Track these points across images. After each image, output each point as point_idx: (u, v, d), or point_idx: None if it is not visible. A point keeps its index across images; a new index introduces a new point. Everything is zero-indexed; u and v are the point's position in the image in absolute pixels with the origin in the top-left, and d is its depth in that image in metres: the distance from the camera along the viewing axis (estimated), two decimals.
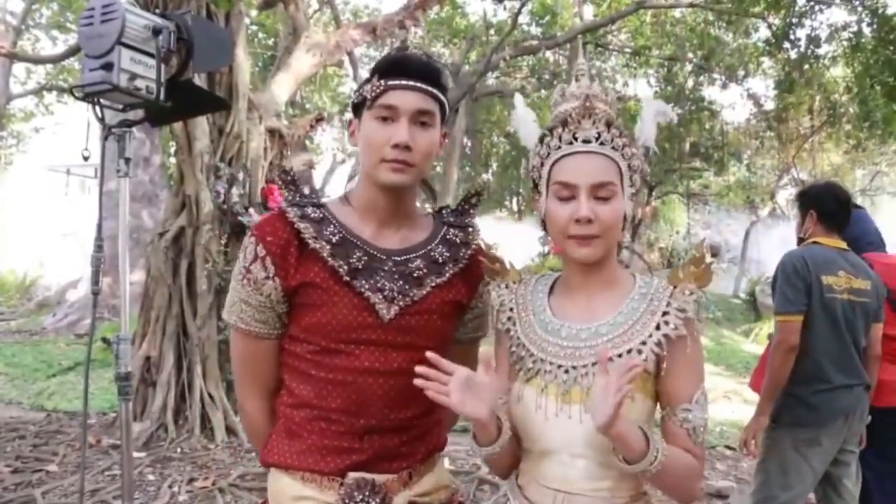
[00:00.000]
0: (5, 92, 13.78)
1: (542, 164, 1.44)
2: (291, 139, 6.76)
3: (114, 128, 2.39)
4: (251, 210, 5.85)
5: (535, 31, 14.69)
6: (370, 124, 1.48)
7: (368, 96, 1.48)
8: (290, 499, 1.50)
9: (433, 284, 1.52)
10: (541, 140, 1.46)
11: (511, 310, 1.52)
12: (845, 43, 10.58)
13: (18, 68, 14.90)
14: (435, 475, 1.61)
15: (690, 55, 14.34)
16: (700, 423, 1.37)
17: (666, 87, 14.72)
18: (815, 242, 3.07)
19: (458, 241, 1.59)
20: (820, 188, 3.28)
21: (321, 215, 1.51)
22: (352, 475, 1.47)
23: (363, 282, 1.46)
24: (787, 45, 10.96)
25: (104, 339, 8.61)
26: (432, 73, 1.51)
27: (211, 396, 5.63)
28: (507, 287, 1.55)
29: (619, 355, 1.35)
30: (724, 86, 14.84)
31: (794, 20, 10.58)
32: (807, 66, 11.43)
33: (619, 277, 1.46)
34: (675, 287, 1.39)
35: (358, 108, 1.53)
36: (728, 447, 5.92)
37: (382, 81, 1.47)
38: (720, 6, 11.47)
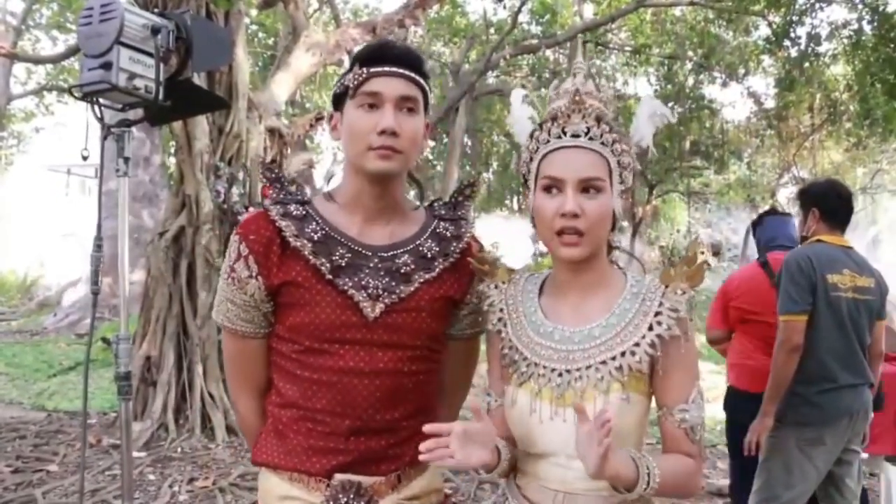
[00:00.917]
0: (6, 92, 13.78)
1: (531, 159, 1.43)
2: (291, 138, 6.76)
3: (113, 127, 2.38)
4: (251, 209, 5.84)
5: (535, 29, 14.69)
6: (354, 113, 1.46)
7: (351, 85, 1.46)
8: (278, 498, 1.49)
9: (421, 280, 1.49)
10: (531, 135, 1.44)
11: (501, 310, 1.50)
12: (846, 41, 10.56)
13: (19, 68, 14.91)
14: (425, 479, 1.58)
15: (690, 53, 14.32)
16: (697, 422, 1.37)
17: (666, 85, 14.69)
18: (818, 240, 3.07)
19: (448, 234, 1.56)
20: (822, 186, 3.28)
21: (304, 212, 1.48)
22: (338, 477, 1.45)
23: (346, 280, 1.44)
24: (787, 43, 10.94)
25: (104, 339, 8.60)
26: (414, 60, 1.50)
27: (211, 396, 5.63)
28: (496, 287, 1.52)
29: (613, 357, 1.34)
30: (725, 84, 14.81)
31: (795, 18, 10.56)
32: (807, 65, 11.41)
33: (610, 277, 1.44)
34: (667, 286, 1.38)
35: (339, 100, 1.51)
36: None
37: (364, 69, 1.45)
38: (720, 4, 11.46)
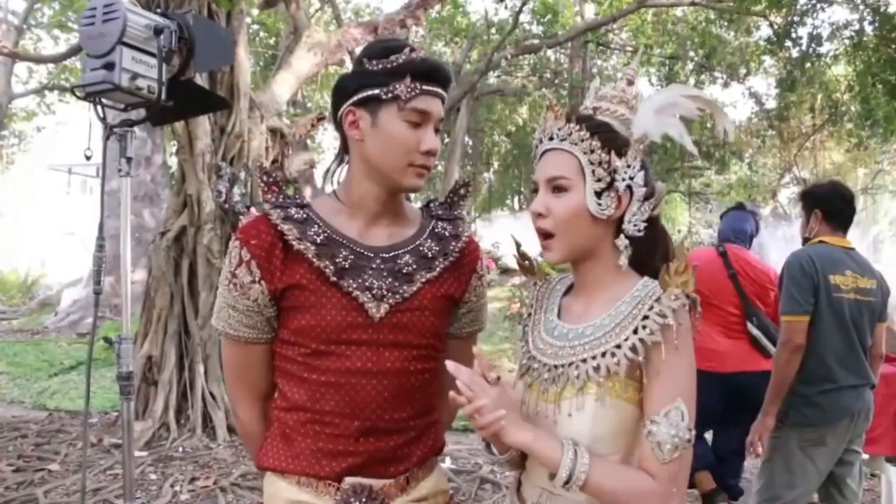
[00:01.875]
0: (7, 91, 13.79)
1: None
2: (293, 138, 6.75)
3: (115, 127, 2.39)
4: (253, 209, 5.84)
5: (537, 30, 14.72)
6: (398, 125, 1.43)
7: (403, 97, 1.42)
8: (286, 503, 1.48)
9: (423, 280, 1.49)
10: None
11: (531, 305, 1.52)
12: (847, 41, 10.57)
13: (20, 68, 14.91)
14: (433, 479, 1.58)
15: (692, 54, 14.35)
16: (666, 441, 1.24)
17: (667, 85, 14.71)
18: (820, 241, 3.07)
19: (447, 234, 1.57)
20: (824, 187, 3.28)
21: (305, 215, 1.47)
22: (348, 480, 1.45)
23: (351, 281, 1.43)
24: (788, 43, 10.96)
25: (106, 339, 8.53)
26: (450, 81, 1.52)
27: (213, 395, 5.63)
28: (534, 284, 1.55)
29: (593, 357, 1.31)
30: (726, 84, 14.83)
31: (796, 19, 10.57)
32: (808, 65, 11.42)
33: (617, 279, 1.39)
34: (664, 291, 1.32)
35: (369, 101, 1.45)
36: None
37: (418, 85, 1.42)
38: (721, 5, 11.47)
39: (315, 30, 7.33)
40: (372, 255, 1.47)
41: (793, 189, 17.44)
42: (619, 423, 1.31)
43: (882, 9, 9.29)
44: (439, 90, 1.47)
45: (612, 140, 1.34)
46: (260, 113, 6.24)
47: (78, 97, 2.40)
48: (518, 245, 1.58)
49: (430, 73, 1.45)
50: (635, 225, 1.35)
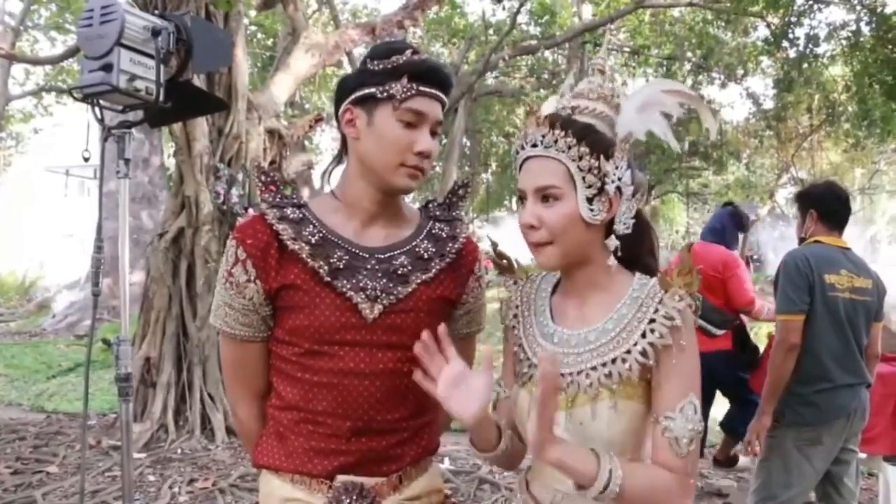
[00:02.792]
0: (4, 93, 13.77)
1: (516, 172, 1.43)
2: (290, 140, 6.75)
3: (113, 129, 2.38)
4: (251, 211, 5.84)
5: (534, 30, 14.72)
6: (392, 125, 1.43)
7: (398, 96, 1.42)
8: (280, 500, 1.49)
9: (419, 281, 1.49)
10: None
11: (517, 307, 1.50)
12: (844, 42, 10.59)
13: (17, 69, 14.89)
14: (426, 479, 1.58)
15: (689, 54, 14.35)
16: (683, 435, 1.27)
17: None
18: (816, 241, 3.08)
19: (444, 235, 1.57)
20: (820, 188, 3.30)
21: (301, 215, 1.48)
22: (340, 478, 1.45)
23: (345, 282, 1.43)
24: (785, 44, 10.97)
25: (104, 341, 8.61)
26: (451, 84, 1.51)
27: (211, 397, 5.63)
28: (514, 283, 1.54)
29: (604, 364, 1.31)
30: (723, 85, 14.84)
31: (793, 19, 10.58)
32: (806, 65, 11.43)
33: (612, 280, 1.39)
34: (665, 292, 1.32)
35: (366, 100, 1.46)
36: None
37: (414, 85, 1.43)
38: (719, 5, 11.48)
39: (313, 31, 7.33)
40: (367, 255, 1.47)
41: (790, 189, 17.47)
42: (630, 424, 1.32)
43: (879, 9, 9.31)
44: (437, 92, 1.46)
45: (598, 143, 1.32)
46: (258, 114, 6.24)
47: (76, 99, 2.40)
48: (495, 245, 1.57)
49: (428, 75, 1.45)
50: (625, 224, 1.35)
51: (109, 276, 8.88)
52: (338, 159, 1.59)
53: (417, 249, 1.52)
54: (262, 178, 1.53)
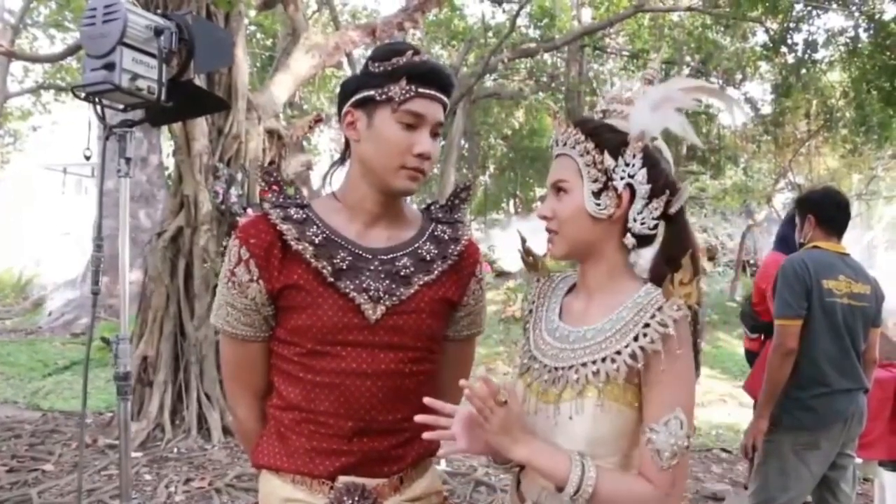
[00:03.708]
0: (2, 90, 13.73)
1: None
2: (290, 140, 6.76)
3: (115, 128, 2.39)
4: (249, 211, 5.84)
5: (534, 33, 14.72)
6: (392, 127, 1.44)
7: (397, 98, 1.43)
8: (281, 501, 1.49)
9: (421, 283, 1.50)
10: None
11: (532, 302, 1.53)
12: (842, 48, 10.60)
13: (16, 67, 14.85)
14: (426, 480, 1.59)
15: (688, 59, 14.38)
16: (665, 448, 1.26)
17: None
18: (815, 247, 3.09)
19: (446, 237, 1.58)
20: (818, 193, 3.31)
21: (304, 216, 1.48)
22: (342, 479, 1.46)
23: (348, 282, 1.44)
24: (784, 49, 10.99)
25: (104, 339, 8.55)
26: (452, 86, 1.52)
27: (208, 396, 5.63)
28: (537, 280, 1.57)
29: (594, 362, 1.33)
30: (722, 89, 14.86)
31: (792, 25, 10.60)
32: (804, 71, 11.44)
33: (621, 283, 1.40)
34: (667, 300, 1.32)
35: (367, 102, 1.46)
36: (724, 450, 5.93)
37: (413, 87, 1.43)
38: (718, 10, 11.51)
39: (313, 32, 7.34)
40: (370, 256, 1.48)
41: (788, 194, 17.46)
42: (618, 426, 1.33)
43: (877, 16, 9.33)
44: (437, 94, 1.47)
45: (606, 140, 1.36)
46: (257, 114, 6.25)
47: (78, 97, 2.41)
48: (524, 241, 1.58)
49: (428, 76, 1.45)
50: (642, 223, 1.35)
51: (107, 275, 8.86)
52: (340, 161, 1.59)
53: (420, 251, 1.53)
54: (266, 177, 1.53)
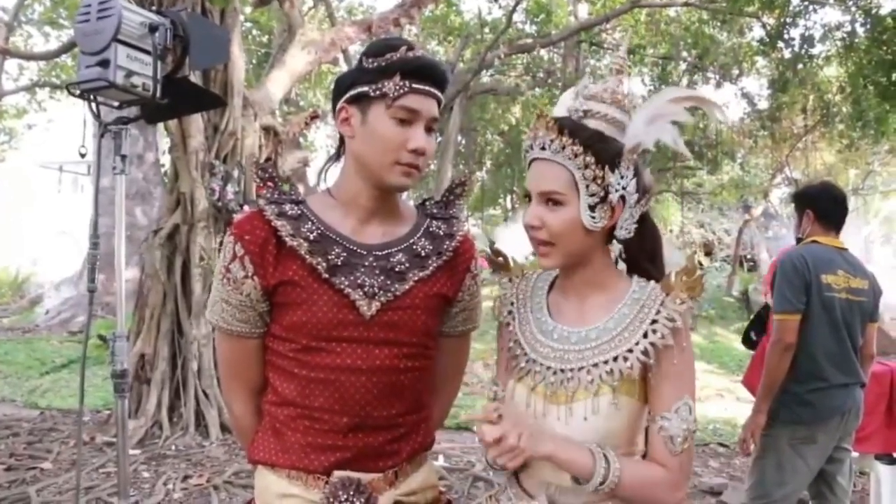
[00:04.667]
0: None
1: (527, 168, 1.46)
2: (286, 137, 6.75)
3: (110, 125, 2.39)
4: (246, 207, 5.84)
5: (530, 29, 14.69)
6: (385, 123, 1.43)
7: (391, 94, 1.42)
8: (276, 496, 1.49)
9: (416, 279, 1.50)
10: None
11: (511, 304, 1.53)
12: (839, 43, 10.59)
13: (11, 64, 14.81)
14: (422, 474, 1.60)
15: (685, 54, 14.36)
16: (678, 434, 1.33)
17: (660, 85, 14.72)
18: (813, 241, 3.09)
19: (441, 233, 1.58)
20: (816, 188, 3.31)
21: (299, 212, 1.48)
22: (337, 474, 1.46)
23: (343, 278, 1.44)
24: (780, 44, 10.97)
25: (101, 337, 8.57)
26: (446, 81, 1.51)
27: (205, 394, 5.63)
28: (509, 281, 1.57)
29: (605, 361, 1.35)
30: (719, 85, 14.83)
31: (788, 20, 10.59)
32: (800, 66, 11.43)
33: (611, 281, 1.44)
34: (667, 294, 1.37)
35: (361, 98, 1.46)
36: (721, 444, 5.95)
37: (406, 83, 1.42)
38: (714, 5, 11.49)
39: (309, 28, 7.33)
40: (365, 252, 1.48)
41: (784, 189, 17.49)
42: (628, 420, 1.37)
43: (874, 11, 9.31)
44: (431, 89, 1.46)
45: (604, 153, 1.35)
46: (253, 111, 6.24)
47: (73, 94, 2.40)
48: (492, 243, 1.60)
49: (421, 72, 1.44)
50: (627, 230, 1.39)
51: (104, 273, 8.86)
52: (335, 157, 1.60)
53: (415, 247, 1.53)
54: (261, 173, 1.53)
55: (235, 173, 5.93)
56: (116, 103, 2.43)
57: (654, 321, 1.35)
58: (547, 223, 1.37)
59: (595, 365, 1.36)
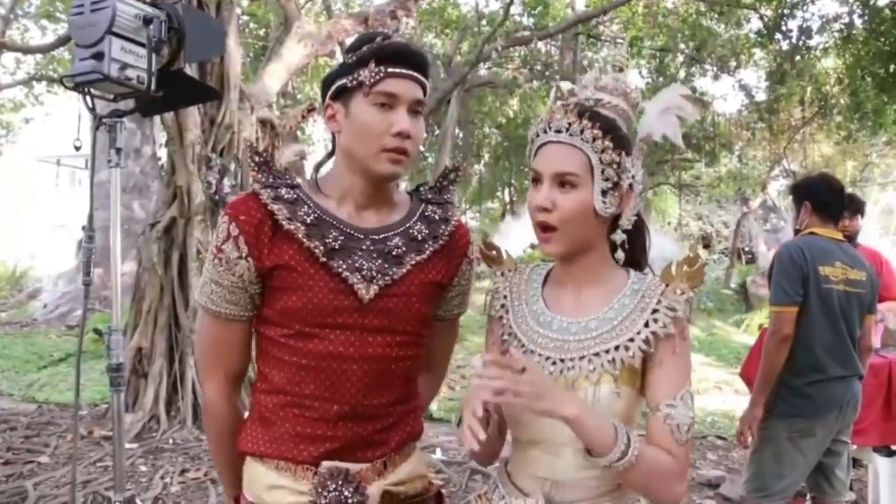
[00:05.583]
0: None
1: (529, 154, 1.45)
2: (283, 130, 6.73)
3: (105, 118, 2.38)
4: None
5: (528, 21, 14.66)
6: (367, 110, 1.43)
7: (367, 82, 1.43)
8: (264, 487, 1.48)
9: (413, 262, 1.50)
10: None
11: (505, 297, 1.53)
12: (837, 34, 10.60)
13: (7, 58, 14.77)
14: (410, 464, 1.59)
15: (682, 46, 14.34)
16: (684, 422, 1.33)
17: (658, 77, 14.71)
18: (811, 233, 3.09)
19: (437, 217, 1.58)
20: (814, 180, 3.31)
21: (295, 196, 1.47)
22: (325, 464, 1.45)
23: (340, 262, 1.43)
24: (778, 36, 10.98)
25: (96, 331, 8.53)
26: (425, 64, 1.50)
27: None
28: (502, 274, 1.56)
29: (607, 350, 1.35)
30: (716, 77, 14.82)
31: (786, 11, 10.59)
32: (798, 58, 11.44)
33: (609, 273, 1.44)
34: (667, 285, 1.38)
35: (341, 92, 1.47)
36: (719, 437, 5.95)
37: (382, 68, 1.43)
38: None
39: (305, 21, 7.30)
40: (362, 236, 1.48)
41: (782, 181, 17.49)
42: (627, 410, 1.38)
43: (871, 2, 9.31)
44: (409, 72, 1.46)
45: (621, 139, 1.37)
46: (250, 104, 6.22)
47: (67, 87, 2.39)
48: (485, 236, 1.60)
49: (396, 56, 1.45)
50: (629, 220, 1.41)
51: (100, 267, 8.83)
52: (328, 157, 1.60)
53: (411, 231, 1.53)
54: (255, 158, 1.52)
55: (232, 167, 5.92)
56: (111, 96, 2.41)
57: (655, 311, 1.36)
58: (558, 205, 1.36)
59: (596, 354, 1.36)
